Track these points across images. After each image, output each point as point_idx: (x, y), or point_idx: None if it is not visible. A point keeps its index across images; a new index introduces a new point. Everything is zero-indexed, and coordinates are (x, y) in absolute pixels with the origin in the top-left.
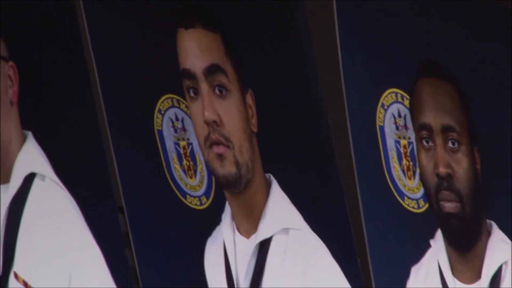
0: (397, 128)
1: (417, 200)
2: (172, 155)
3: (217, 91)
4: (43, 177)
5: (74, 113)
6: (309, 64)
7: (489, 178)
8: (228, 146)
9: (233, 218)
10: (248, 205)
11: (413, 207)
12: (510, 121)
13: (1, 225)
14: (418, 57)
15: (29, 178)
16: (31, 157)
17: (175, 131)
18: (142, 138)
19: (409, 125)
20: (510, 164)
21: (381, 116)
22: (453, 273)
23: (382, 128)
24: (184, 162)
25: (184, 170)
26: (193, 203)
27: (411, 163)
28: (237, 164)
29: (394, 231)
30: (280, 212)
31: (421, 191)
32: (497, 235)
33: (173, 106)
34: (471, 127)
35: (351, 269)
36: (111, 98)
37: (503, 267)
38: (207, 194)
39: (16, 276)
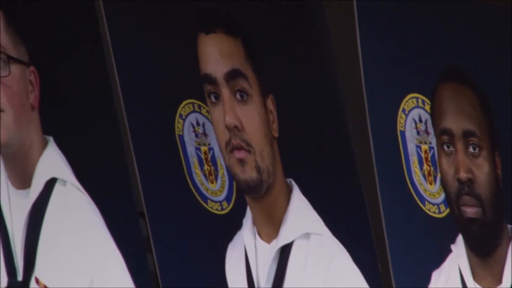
0: (418, 133)
1: (438, 205)
2: (193, 160)
3: (238, 96)
4: (64, 182)
5: (95, 118)
6: (330, 69)
7: (510, 183)
8: (249, 151)
9: (254, 223)
10: (269, 210)
11: (434, 212)
12: None
13: (22, 230)
14: (438, 62)
15: (50, 183)
16: (52, 162)
17: (196, 136)
18: (163, 143)
19: (430, 130)
20: None
21: (402, 121)
22: (474, 278)
23: (403, 133)
24: (205, 167)
25: (205, 175)
26: (214, 208)
27: (432, 168)
28: (258, 169)
29: (415, 236)
30: (301, 217)
31: (442, 196)
32: None
33: (194, 111)
34: (492, 132)
35: (372, 273)
36: (132, 103)
37: None
38: (228, 199)
39: (37, 281)
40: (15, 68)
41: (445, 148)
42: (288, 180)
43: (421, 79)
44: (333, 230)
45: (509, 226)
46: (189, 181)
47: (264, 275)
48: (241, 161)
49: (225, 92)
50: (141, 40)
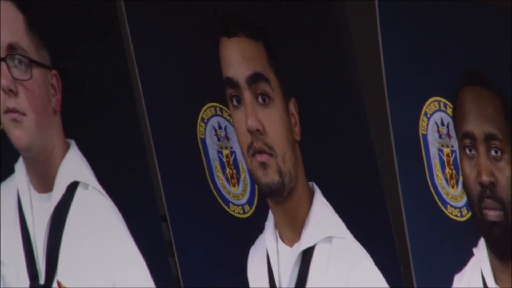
0: (440, 136)
1: (460, 208)
2: (215, 164)
3: (260, 99)
4: (86, 186)
5: (117, 122)
6: (352, 73)
7: None
8: (271, 155)
9: (276, 226)
10: (291, 213)
11: (456, 216)
12: None
13: (44, 234)
14: (460, 65)
15: (72, 187)
16: (74, 166)
17: (218, 139)
18: (185, 147)
19: (452, 133)
20: None
21: (424, 124)
22: (496, 282)
23: (425, 137)
24: (227, 170)
25: (227, 179)
26: (236, 211)
27: (454, 171)
28: (280, 172)
29: (437, 240)
30: (323, 220)
31: (464, 200)
32: None
33: (216, 115)
34: None
35: (394, 277)
36: (154, 107)
37: None
38: (250, 202)
39: (59, 284)
40: (37, 72)
41: (467, 151)
42: (310, 183)
43: (443, 82)
44: (355, 233)
45: None
46: (211, 184)
47: (286, 278)
48: (263, 165)
49: (247, 95)
50: (163, 44)
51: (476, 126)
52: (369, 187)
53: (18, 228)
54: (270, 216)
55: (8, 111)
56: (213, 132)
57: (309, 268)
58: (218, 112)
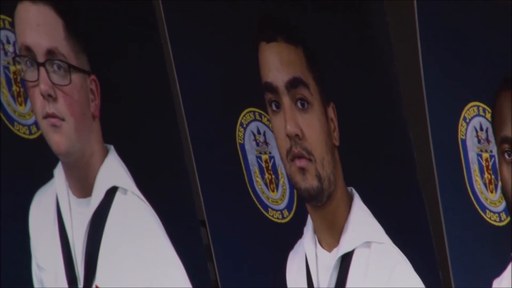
0: (479, 141)
1: (498, 213)
2: (254, 169)
3: (299, 104)
4: (125, 191)
5: (156, 127)
6: (391, 78)
7: None
8: (310, 160)
9: (315, 231)
10: (330, 218)
11: (494, 220)
12: None
13: (83, 239)
14: (499, 70)
15: (111, 192)
16: (113, 171)
17: (257, 144)
18: (224, 152)
19: (491, 138)
20: None
21: (463, 129)
22: None
23: (464, 142)
24: (266, 175)
25: (266, 184)
26: (275, 216)
27: (493, 176)
28: (319, 177)
29: (475, 244)
30: (362, 225)
31: (503, 205)
32: None
33: (255, 120)
34: None
35: (433, 282)
36: (193, 112)
37: None
38: (289, 207)
39: None
40: (75, 77)
41: (506, 156)
42: (349, 188)
43: (482, 87)
44: (394, 238)
45: None
46: (250, 189)
47: (325, 283)
48: (302, 170)
49: (286, 100)
50: (202, 49)
51: None
52: (407, 192)
53: (57, 233)
54: (309, 221)
55: (47, 116)
56: (252, 137)
57: (348, 273)
58: (257, 117)
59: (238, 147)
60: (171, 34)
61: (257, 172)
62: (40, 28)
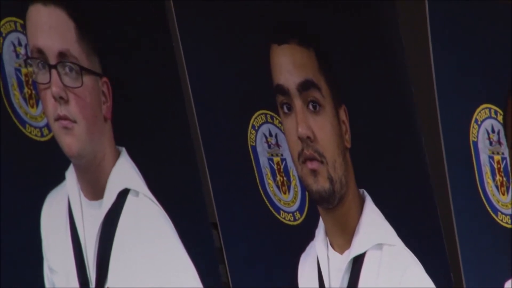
0: (490, 143)
1: (510, 215)
2: (266, 171)
3: (310, 106)
4: (136, 193)
5: (168, 129)
6: (403, 80)
7: None
8: (321, 162)
9: (327, 233)
10: (342, 220)
11: (506, 223)
12: None
13: (95, 241)
14: (511, 72)
15: (123, 194)
16: (124, 173)
17: (269, 146)
18: (235, 154)
19: (503, 140)
20: None
21: (475, 131)
22: None
23: (475, 144)
24: (278, 177)
25: (277, 186)
26: (287, 218)
27: (504, 178)
28: (330, 179)
29: (487, 246)
30: (374, 227)
31: None
32: None
33: (266, 122)
34: None
35: (445, 284)
36: (204, 114)
37: None
38: (300, 209)
39: None
40: (87, 79)
41: None
42: (361, 190)
43: (493, 89)
44: (405, 241)
45: None
46: (261, 191)
47: (336, 285)
48: (314, 172)
49: (297, 103)
50: (213, 51)
51: None
52: (419, 194)
53: (69, 235)
54: (321, 223)
55: (59, 118)
56: (264, 139)
57: (360, 275)
58: (269, 120)
59: (250, 149)
60: (182, 37)
61: (269, 174)
62: (51, 30)
